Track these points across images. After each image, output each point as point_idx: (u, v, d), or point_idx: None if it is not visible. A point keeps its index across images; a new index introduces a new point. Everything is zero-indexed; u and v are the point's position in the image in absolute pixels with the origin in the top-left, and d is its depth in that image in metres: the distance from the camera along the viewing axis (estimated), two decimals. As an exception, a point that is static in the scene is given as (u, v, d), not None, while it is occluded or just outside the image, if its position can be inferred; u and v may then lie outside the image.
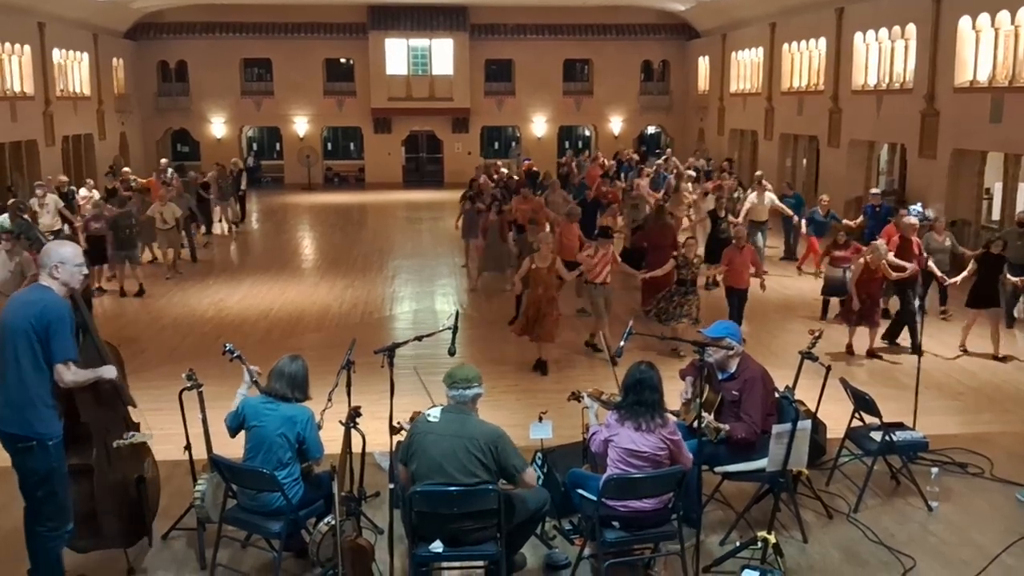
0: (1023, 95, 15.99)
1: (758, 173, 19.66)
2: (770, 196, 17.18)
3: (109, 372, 5.45)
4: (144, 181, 22.56)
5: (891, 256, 11.66)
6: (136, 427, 5.84)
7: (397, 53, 34.90)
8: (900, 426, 7.27)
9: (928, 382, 9.79)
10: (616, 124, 36.49)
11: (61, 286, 5.17)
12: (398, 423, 6.05)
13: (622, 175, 24.04)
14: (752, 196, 17.13)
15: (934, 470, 7.01)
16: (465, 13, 34.78)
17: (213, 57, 34.26)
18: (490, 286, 15.95)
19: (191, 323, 13.83)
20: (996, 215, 17.81)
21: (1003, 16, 16.66)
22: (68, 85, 27.29)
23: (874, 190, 17.80)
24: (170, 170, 23.58)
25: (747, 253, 12.07)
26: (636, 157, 28.49)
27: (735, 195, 17.67)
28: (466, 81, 34.97)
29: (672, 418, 5.67)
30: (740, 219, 15.56)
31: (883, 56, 21.42)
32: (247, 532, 5.95)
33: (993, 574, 5.83)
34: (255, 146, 39.41)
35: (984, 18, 17.20)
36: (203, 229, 21.35)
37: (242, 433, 5.63)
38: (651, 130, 38.66)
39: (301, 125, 35.63)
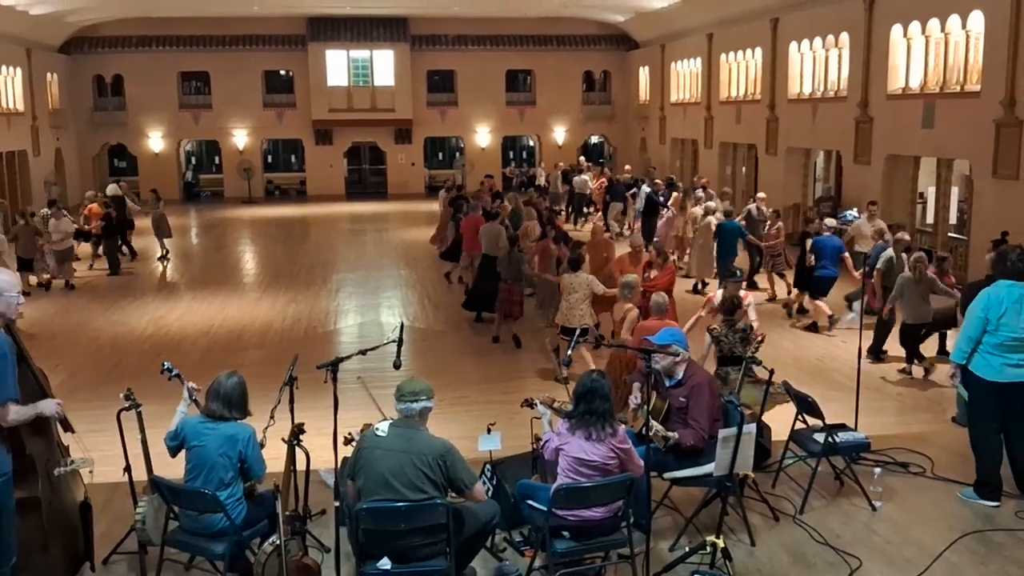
0: (954, 101, 16.42)
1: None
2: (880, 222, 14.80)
3: (48, 407, 5.22)
4: None
5: None
6: (67, 451, 5.67)
7: (338, 64, 34.66)
8: (842, 427, 7.37)
9: (868, 383, 9.97)
10: (559, 134, 36.68)
11: None
12: (349, 434, 5.95)
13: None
14: (861, 220, 15.05)
15: (877, 470, 7.11)
16: (406, 24, 34.70)
17: (150, 70, 33.73)
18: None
19: (129, 341, 13.55)
20: (930, 219, 18.23)
21: (933, 24, 17.09)
22: (1, 101, 26.68)
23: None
24: None
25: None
26: (659, 183, 22.40)
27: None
28: (408, 92, 34.87)
29: (622, 427, 5.67)
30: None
31: (818, 65, 21.86)
32: (190, 554, 5.82)
33: (937, 572, 5.92)
34: (193, 160, 38.85)
35: (915, 26, 17.64)
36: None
37: (183, 453, 5.51)
38: (594, 140, 38.95)
39: (240, 138, 35.19)
